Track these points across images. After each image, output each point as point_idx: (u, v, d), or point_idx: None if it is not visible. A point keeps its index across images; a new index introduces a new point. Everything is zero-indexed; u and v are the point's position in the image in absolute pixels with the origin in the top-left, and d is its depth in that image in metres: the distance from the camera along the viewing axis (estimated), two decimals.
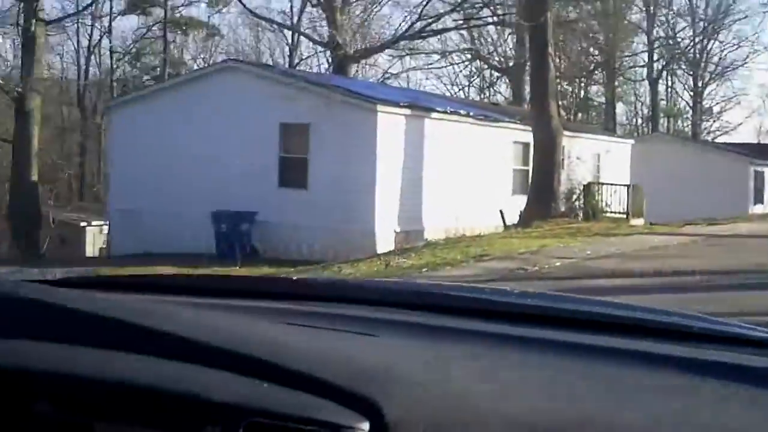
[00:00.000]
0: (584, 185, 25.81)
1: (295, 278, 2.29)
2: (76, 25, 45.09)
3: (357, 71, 41.52)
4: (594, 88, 54.45)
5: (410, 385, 1.29)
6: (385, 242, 20.56)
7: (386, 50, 37.70)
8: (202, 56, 49.89)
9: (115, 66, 48.02)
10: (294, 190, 21.70)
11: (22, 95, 24.72)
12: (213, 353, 1.35)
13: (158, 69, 46.64)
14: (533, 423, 1.23)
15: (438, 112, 23.14)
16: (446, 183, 22.27)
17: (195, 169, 22.59)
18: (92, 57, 47.97)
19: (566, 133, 25.48)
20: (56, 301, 1.55)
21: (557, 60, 33.07)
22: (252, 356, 1.34)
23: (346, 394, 1.24)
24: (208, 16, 47.54)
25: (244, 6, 35.75)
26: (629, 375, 1.43)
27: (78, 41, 47.28)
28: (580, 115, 52.56)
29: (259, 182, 21.80)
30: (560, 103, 33.99)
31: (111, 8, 45.29)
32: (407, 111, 22.01)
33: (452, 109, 24.03)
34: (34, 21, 24.27)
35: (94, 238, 31.06)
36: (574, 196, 25.59)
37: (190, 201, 22.48)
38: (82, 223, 31.47)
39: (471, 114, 24.42)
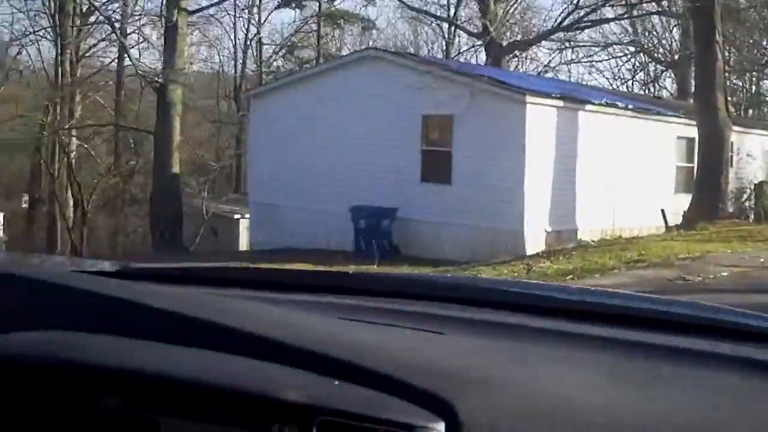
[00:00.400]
0: (755, 184, 23.82)
1: (352, 272, 2.25)
2: (233, 18, 45.58)
3: (518, 65, 40.29)
4: (767, 83, 51.47)
5: (485, 385, 1.28)
6: (534, 242, 19.18)
7: (545, 43, 36.28)
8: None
9: (271, 59, 48.06)
10: (437, 186, 20.53)
11: (164, 86, 24.39)
12: (282, 349, 1.35)
13: (313, 62, 46.33)
14: (608, 427, 1.22)
15: (593, 104, 21.56)
16: (602, 179, 20.69)
17: (334, 162, 21.73)
18: (249, 51, 48.12)
19: (735, 128, 23.56)
20: (112, 293, 1.57)
21: (726, 53, 30.98)
22: (322, 353, 1.33)
23: (420, 393, 1.23)
24: (360, 8, 46.99)
25: None
26: (720, 379, 1.39)
27: (235, 35, 47.63)
28: (751, 111, 49.75)
29: (400, 177, 20.75)
30: (730, 99, 31.73)
31: (260, 1, 45.25)
32: (559, 102, 20.52)
33: (608, 101, 22.41)
34: (176, 10, 23.91)
35: (248, 231, 30.61)
36: (744, 196, 23.68)
37: (329, 195, 21.65)
38: (236, 216, 31.00)
39: (629, 106, 22.76)
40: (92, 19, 34.72)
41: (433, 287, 2.04)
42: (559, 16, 33.49)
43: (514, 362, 1.42)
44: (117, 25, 29.92)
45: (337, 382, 1.27)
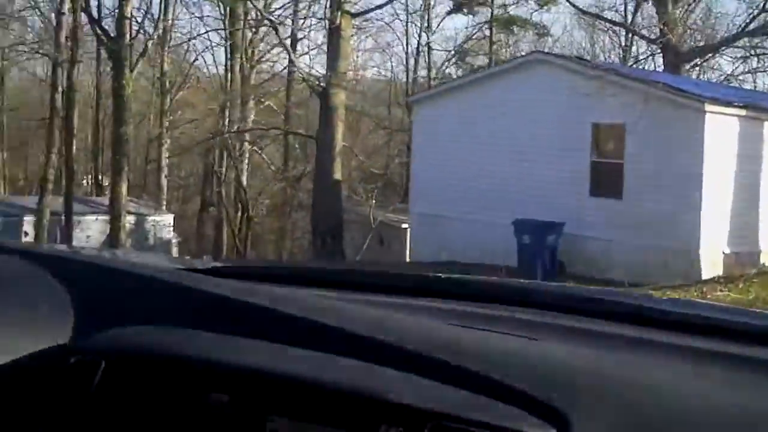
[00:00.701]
0: None
1: (441, 275, 2.11)
2: (404, 24, 45.48)
3: (699, 75, 38.45)
4: None
5: (597, 396, 1.28)
6: (711, 265, 17.74)
7: (728, 50, 34.36)
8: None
9: (443, 66, 47.75)
10: (606, 200, 19.31)
11: (326, 90, 23.99)
12: (393, 353, 1.36)
13: (485, 69, 45.65)
14: None
15: None
16: None
17: (498, 172, 20.84)
18: (420, 58, 47.90)
19: None
20: (219, 291, 1.60)
21: None
22: (434, 358, 1.34)
23: (531, 400, 1.23)
24: (531, 13, 45.91)
25: (570, 3, 33.67)
26: None
27: (407, 41, 47.53)
28: None
29: (567, 189, 19.65)
30: None
31: (429, 6, 44.81)
32: (741, 111, 18.95)
33: None
34: (339, 13, 23.48)
35: None
36: None
37: (493, 206, 20.72)
38: (403, 225, 30.56)
39: None
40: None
41: (517, 292, 2.00)
42: (744, 21, 31.60)
43: (621, 372, 1.39)
44: (287, 29, 30.02)
45: (450, 387, 1.27)
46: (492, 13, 44.58)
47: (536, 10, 44.89)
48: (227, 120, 33.36)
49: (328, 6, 25.02)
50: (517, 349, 1.47)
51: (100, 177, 40.46)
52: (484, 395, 1.25)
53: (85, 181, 45.03)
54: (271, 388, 1.37)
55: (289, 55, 27.38)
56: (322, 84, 24.47)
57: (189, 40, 41.20)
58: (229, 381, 1.40)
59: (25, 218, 31.10)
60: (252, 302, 1.55)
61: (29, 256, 1.81)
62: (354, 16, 25.89)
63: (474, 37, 47.64)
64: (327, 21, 24.89)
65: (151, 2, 34.60)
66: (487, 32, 46.11)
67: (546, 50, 41.30)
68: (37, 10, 37.98)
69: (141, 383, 1.45)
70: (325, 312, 1.52)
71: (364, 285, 2.01)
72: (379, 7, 29.88)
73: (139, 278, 1.69)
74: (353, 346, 1.39)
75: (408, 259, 25.89)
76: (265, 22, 29.06)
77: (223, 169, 34.33)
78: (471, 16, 46.69)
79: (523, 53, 47.37)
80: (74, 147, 32.68)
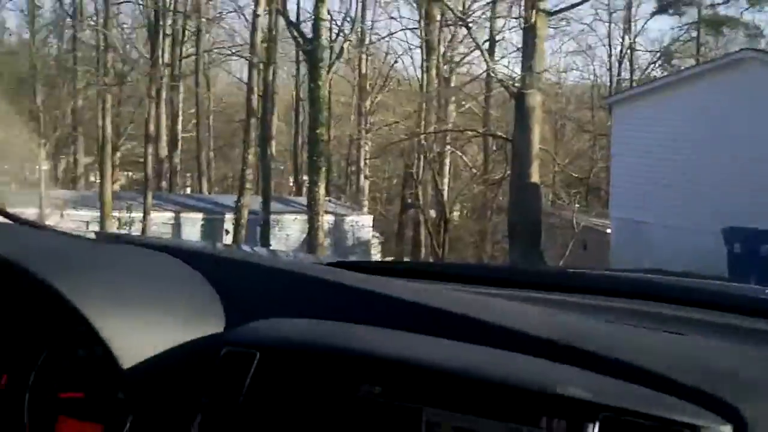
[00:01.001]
0: None
1: (571, 271, 2.23)
2: (607, 26, 44.57)
3: None
4: None
5: (763, 389, 1.26)
6: None
7: None
8: None
9: (648, 69, 46.75)
10: None
11: (521, 92, 23.48)
12: (558, 349, 1.37)
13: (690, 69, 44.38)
14: None
15: None
16: None
17: (704, 176, 20.03)
18: (624, 60, 46.96)
19: None
20: (368, 287, 1.64)
21: None
22: (601, 354, 1.34)
23: (703, 395, 1.22)
24: (741, 12, 44.16)
25: None
26: None
27: (610, 44, 46.80)
28: None
29: None
30: None
31: (631, 7, 44.17)
32: None
33: None
34: (534, 11, 22.92)
35: None
36: None
37: (698, 213, 19.93)
38: (608, 230, 29.88)
39: None
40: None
41: (649, 287, 1.98)
42: None
43: None
44: (485, 31, 29.74)
45: (617, 381, 1.27)
46: (699, 13, 43.41)
47: (747, 9, 43.21)
48: (422, 122, 33.42)
49: (522, 5, 24.60)
50: (672, 344, 1.47)
51: (300, 177, 41.25)
52: (652, 389, 1.24)
53: (290, 181, 46.20)
54: (427, 380, 1.37)
55: (483, 55, 27.00)
56: (517, 85, 24.02)
57: (383, 38, 41.89)
58: (385, 372, 1.41)
59: (226, 216, 31.95)
60: (402, 298, 1.58)
61: (182, 254, 1.88)
62: (550, 14, 25.27)
63: (680, 38, 46.73)
64: (522, 20, 24.40)
65: (351, 4, 35.15)
66: (695, 34, 45.11)
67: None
68: (240, 13, 39.22)
69: (295, 375, 1.49)
70: (481, 307, 1.55)
71: (505, 281, 2.05)
72: (577, 4, 29.04)
73: (285, 274, 1.76)
74: (513, 340, 1.39)
75: (610, 266, 25.18)
76: (459, 22, 28.88)
77: (420, 171, 34.41)
78: (677, 17, 45.53)
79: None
80: (273, 148, 33.30)
